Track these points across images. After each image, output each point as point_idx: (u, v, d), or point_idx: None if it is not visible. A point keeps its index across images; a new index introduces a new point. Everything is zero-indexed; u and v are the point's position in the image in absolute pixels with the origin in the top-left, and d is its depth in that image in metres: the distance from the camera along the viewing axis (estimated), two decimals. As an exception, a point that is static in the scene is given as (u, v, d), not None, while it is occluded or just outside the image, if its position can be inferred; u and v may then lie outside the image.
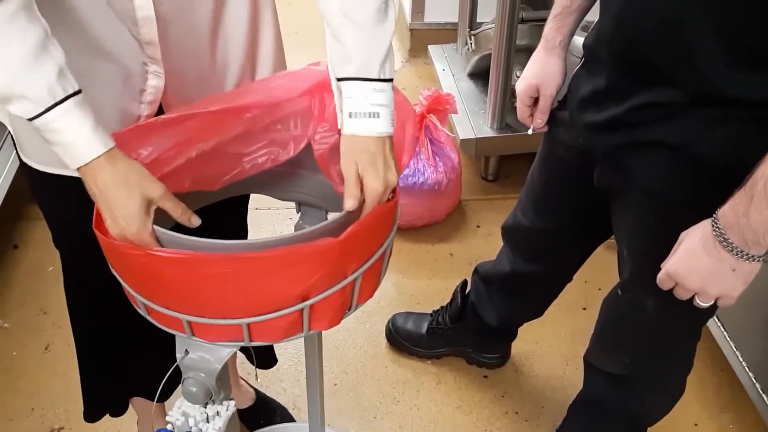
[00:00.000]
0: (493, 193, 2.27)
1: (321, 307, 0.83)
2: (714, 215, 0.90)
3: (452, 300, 1.68)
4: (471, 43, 2.31)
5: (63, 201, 1.03)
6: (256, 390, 1.61)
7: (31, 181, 1.09)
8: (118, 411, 1.40)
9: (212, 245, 0.77)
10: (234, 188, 1.03)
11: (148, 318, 0.87)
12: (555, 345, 1.79)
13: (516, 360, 1.75)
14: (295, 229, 1.10)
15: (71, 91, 0.77)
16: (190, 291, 0.79)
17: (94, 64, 0.89)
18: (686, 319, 1.14)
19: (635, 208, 1.08)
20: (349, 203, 0.85)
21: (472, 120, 2.20)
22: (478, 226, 2.14)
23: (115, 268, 0.86)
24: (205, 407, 0.93)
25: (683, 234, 0.95)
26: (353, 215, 0.84)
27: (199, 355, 0.90)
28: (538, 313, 1.55)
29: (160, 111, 0.99)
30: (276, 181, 1.06)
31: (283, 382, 1.70)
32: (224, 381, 0.94)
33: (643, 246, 1.09)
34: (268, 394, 1.63)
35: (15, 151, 1.05)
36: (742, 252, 0.88)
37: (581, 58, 1.14)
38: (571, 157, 1.17)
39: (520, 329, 1.67)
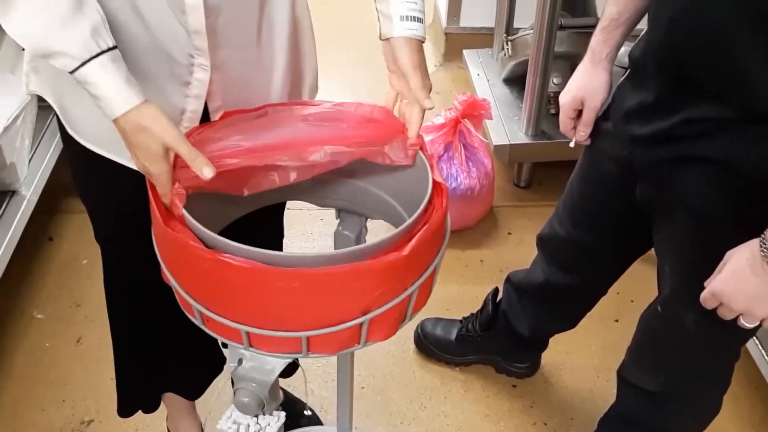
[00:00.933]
0: (526, 200, 2.25)
1: (380, 319, 0.83)
2: (762, 236, 0.88)
3: (483, 307, 1.66)
4: (507, 49, 2.29)
5: (108, 190, 1.05)
6: (284, 390, 1.61)
7: (74, 170, 1.11)
8: (152, 407, 1.41)
9: (279, 258, 0.76)
10: (270, 196, 1.02)
11: (203, 327, 0.86)
12: (586, 356, 1.77)
13: (546, 370, 1.74)
14: (335, 236, 1.10)
15: (105, 47, 0.82)
16: (254, 301, 0.79)
17: (141, 48, 0.91)
18: (726, 337, 1.12)
19: (678, 224, 1.06)
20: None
21: (506, 126, 2.18)
22: (509, 233, 2.13)
23: (174, 273, 0.86)
24: (256, 417, 0.92)
25: (729, 253, 0.93)
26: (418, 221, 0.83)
27: (252, 366, 0.89)
28: (572, 324, 1.53)
29: (205, 108, 0.99)
30: (313, 187, 1.06)
31: (311, 383, 1.70)
32: (275, 391, 0.94)
33: (685, 262, 1.07)
34: (295, 395, 1.63)
35: (56, 140, 1.06)
36: None
37: (626, 70, 1.13)
38: (613, 169, 1.15)
39: (551, 339, 1.65)
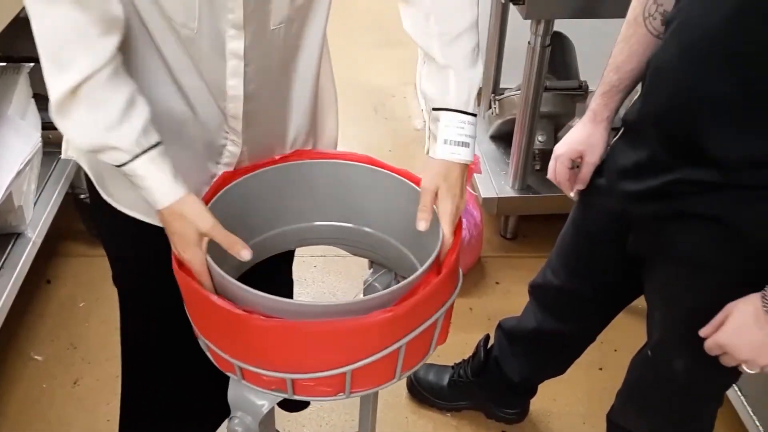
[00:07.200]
0: (512, 251, 2.33)
1: (364, 372, 0.88)
2: (764, 291, 0.96)
3: (475, 354, 1.72)
4: (495, 108, 2.40)
5: (136, 241, 1.09)
6: (279, 434, 1.64)
7: (100, 221, 1.15)
8: None
9: (266, 300, 0.85)
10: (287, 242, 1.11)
11: (207, 354, 0.95)
12: (572, 403, 1.83)
13: (534, 416, 1.79)
14: (365, 286, 1.15)
15: (153, 143, 0.88)
16: (248, 343, 0.88)
17: (183, 125, 0.98)
18: (713, 382, 1.19)
19: (671, 275, 1.13)
20: (422, 225, 0.97)
21: (494, 180, 2.28)
22: (497, 283, 2.20)
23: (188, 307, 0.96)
24: None
25: (730, 306, 1.00)
26: (402, 289, 0.88)
27: (246, 397, 0.95)
28: (561, 371, 1.59)
29: None
30: (345, 235, 1.12)
31: (305, 428, 1.73)
32: (267, 426, 1.00)
33: (677, 310, 1.14)
34: (291, 438, 1.66)
35: (59, 186, 1.09)
36: None
37: (618, 130, 1.22)
38: (606, 222, 1.23)
39: (539, 386, 1.71)
